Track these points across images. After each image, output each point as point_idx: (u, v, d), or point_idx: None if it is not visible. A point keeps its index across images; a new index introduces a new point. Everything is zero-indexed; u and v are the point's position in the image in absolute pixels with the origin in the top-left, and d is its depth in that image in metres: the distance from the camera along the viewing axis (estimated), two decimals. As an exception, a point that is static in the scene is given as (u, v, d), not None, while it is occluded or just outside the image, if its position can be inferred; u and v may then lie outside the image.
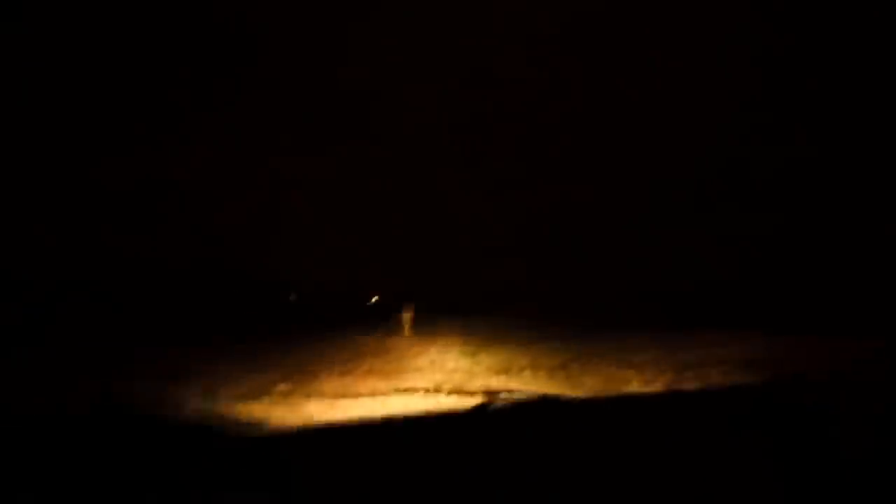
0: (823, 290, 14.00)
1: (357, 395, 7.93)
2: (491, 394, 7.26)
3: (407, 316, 13.47)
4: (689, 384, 7.84)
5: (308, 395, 8.00)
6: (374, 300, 15.31)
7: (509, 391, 7.35)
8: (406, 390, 8.08)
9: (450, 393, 7.54)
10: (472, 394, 7.38)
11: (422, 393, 7.77)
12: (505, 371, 8.65)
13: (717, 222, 15.01)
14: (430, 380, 8.40)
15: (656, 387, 7.63)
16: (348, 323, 13.61)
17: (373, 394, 7.98)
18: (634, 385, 7.80)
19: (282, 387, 8.23)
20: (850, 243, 14.15)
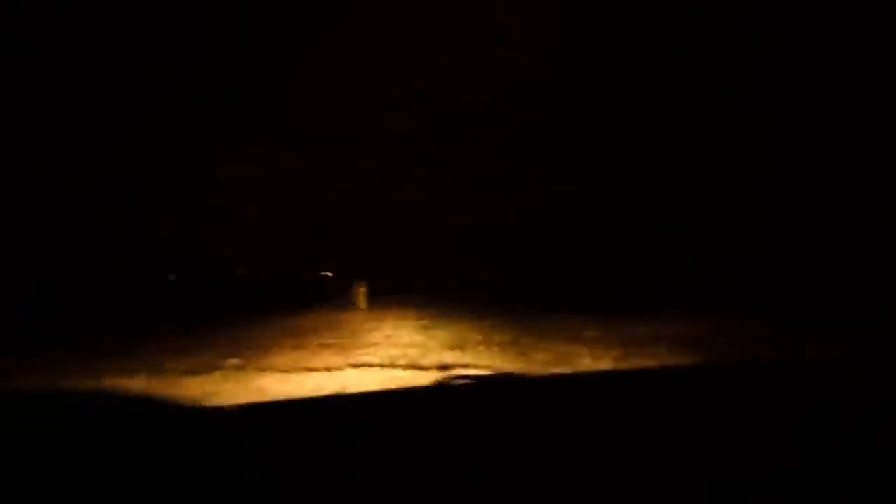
0: (799, 282, 14.50)
1: (310, 370, 7.85)
2: (445, 368, 7.31)
3: (361, 290, 13.70)
4: (632, 362, 8.05)
5: (261, 370, 7.88)
6: (327, 274, 15.43)
7: (464, 365, 7.42)
8: (360, 365, 8.05)
9: (405, 368, 7.55)
10: (426, 368, 7.41)
11: (377, 368, 7.74)
12: (459, 346, 8.73)
13: (700, 219, 15.34)
14: (384, 354, 8.40)
15: (606, 362, 7.82)
16: (301, 301, 13.54)
17: (327, 368, 7.91)
18: (586, 359, 7.97)
19: (233, 361, 8.09)
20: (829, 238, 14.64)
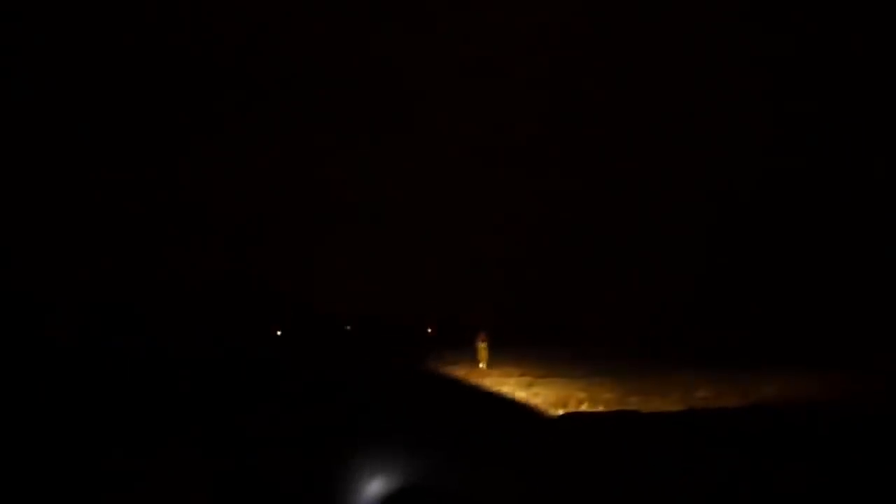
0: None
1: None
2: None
3: (483, 346, 12.94)
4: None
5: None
6: (429, 331, 15.28)
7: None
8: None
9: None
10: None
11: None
12: (563, 405, 8.54)
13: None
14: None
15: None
16: (402, 354, 13.59)
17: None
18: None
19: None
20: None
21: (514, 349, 13.62)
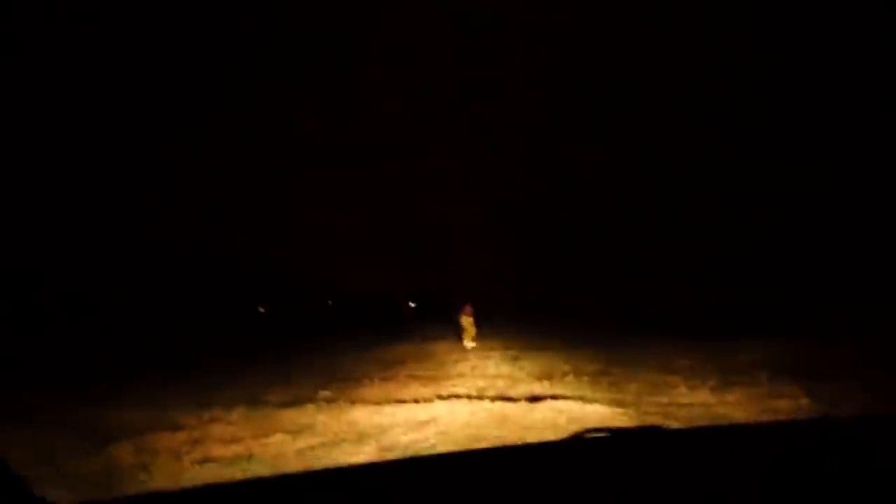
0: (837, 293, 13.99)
1: (400, 402, 7.91)
2: (535, 399, 7.22)
3: (468, 322, 11.68)
4: (734, 394, 7.65)
5: (352, 402, 8.01)
6: (411, 306, 15.18)
7: (553, 397, 7.30)
8: (449, 396, 8.05)
9: (494, 399, 7.50)
10: (516, 400, 7.34)
11: (465, 399, 7.73)
12: (548, 377, 8.61)
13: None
14: (472, 386, 8.38)
15: (703, 394, 7.51)
16: (386, 329, 13.56)
17: (416, 400, 7.95)
18: (682, 390, 7.70)
19: (325, 393, 8.27)
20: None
21: (494, 321, 13.62)
